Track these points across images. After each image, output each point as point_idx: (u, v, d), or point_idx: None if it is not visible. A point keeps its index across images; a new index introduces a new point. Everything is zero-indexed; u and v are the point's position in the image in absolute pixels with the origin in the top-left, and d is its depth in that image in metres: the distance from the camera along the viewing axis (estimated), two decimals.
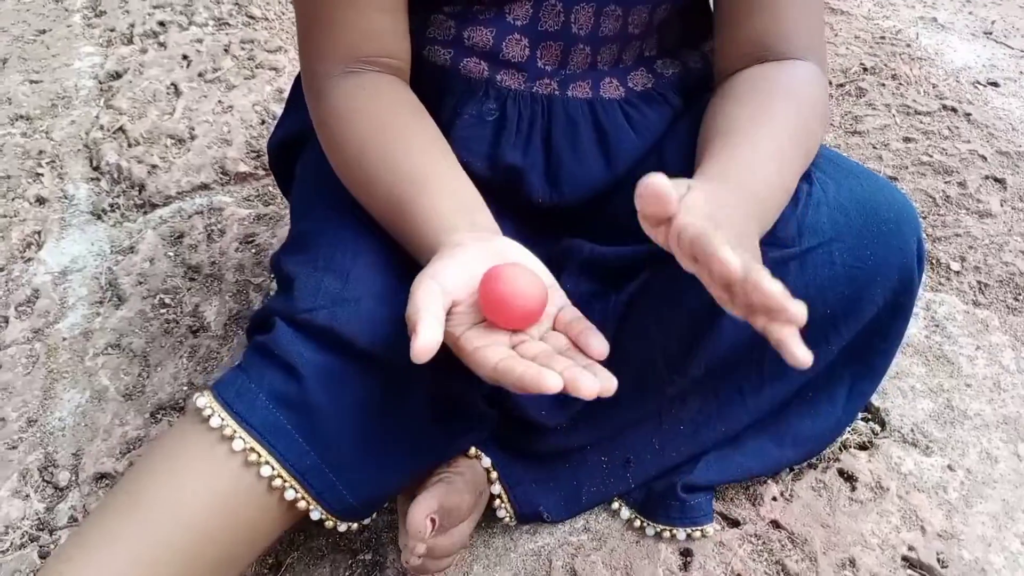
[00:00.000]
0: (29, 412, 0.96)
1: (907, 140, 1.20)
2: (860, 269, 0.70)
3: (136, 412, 0.95)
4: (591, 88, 0.74)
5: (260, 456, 0.64)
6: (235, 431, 0.64)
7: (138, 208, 1.23)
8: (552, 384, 0.49)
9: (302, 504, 0.66)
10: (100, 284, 1.12)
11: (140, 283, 1.11)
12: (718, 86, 0.73)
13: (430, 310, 0.52)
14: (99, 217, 1.23)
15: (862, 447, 0.85)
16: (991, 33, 1.62)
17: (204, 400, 0.66)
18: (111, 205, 1.24)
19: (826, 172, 0.73)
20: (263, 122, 1.35)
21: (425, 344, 0.50)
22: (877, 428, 0.86)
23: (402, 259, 0.68)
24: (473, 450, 0.76)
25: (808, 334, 0.73)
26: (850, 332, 0.74)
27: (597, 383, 0.50)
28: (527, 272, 0.58)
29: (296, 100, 0.77)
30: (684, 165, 0.73)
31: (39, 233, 1.20)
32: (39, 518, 0.86)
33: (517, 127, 0.74)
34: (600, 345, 0.54)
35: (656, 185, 0.48)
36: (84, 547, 0.64)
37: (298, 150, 0.85)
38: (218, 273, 1.11)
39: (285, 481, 0.65)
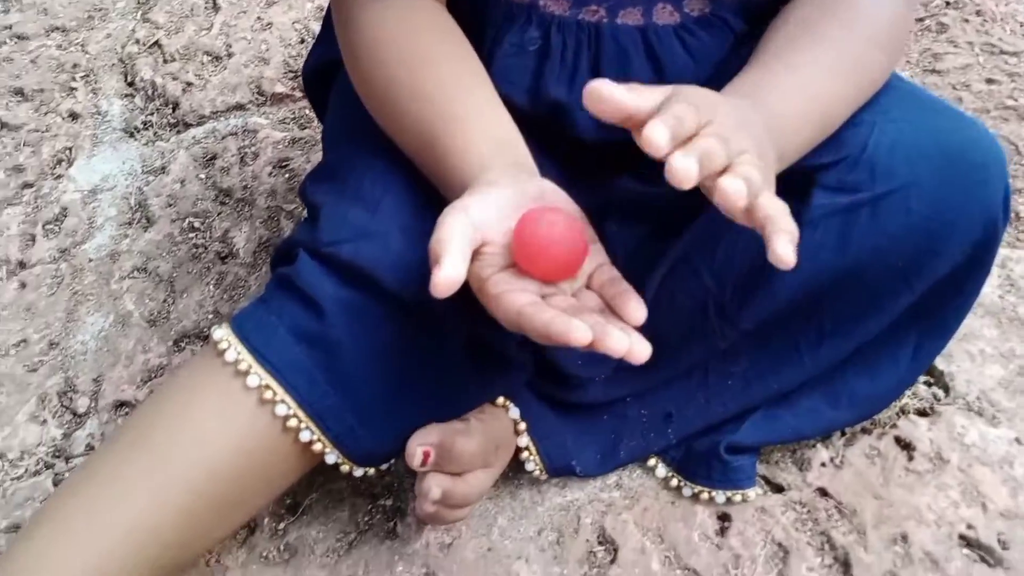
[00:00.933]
0: (51, 334, 0.94)
1: (990, 82, 1.10)
2: (939, 220, 0.64)
3: (159, 339, 0.93)
4: (643, 15, 0.67)
5: (276, 394, 0.61)
6: (251, 366, 0.61)
7: (171, 127, 1.19)
8: (580, 336, 0.44)
9: (318, 446, 0.63)
10: (130, 204, 1.09)
11: (170, 205, 1.08)
12: (781, 10, 0.66)
13: (456, 243, 0.48)
14: (132, 135, 1.19)
15: (922, 413, 0.79)
16: None
17: (221, 332, 0.63)
18: (144, 123, 1.20)
19: (905, 107, 0.65)
20: (302, 41, 1.29)
21: (447, 277, 0.46)
22: (940, 393, 0.80)
23: (438, 198, 0.63)
24: (501, 400, 0.72)
25: (877, 290, 0.68)
26: (922, 287, 0.68)
27: (627, 342, 0.46)
28: (569, 218, 0.52)
29: (331, 24, 0.72)
30: None
31: (70, 149, 1.17)
32: (55, 444, 0.84)
33: (562, 57, 0.68)
34: (638, 311, 0.49)
35: (599, 90, 0.44)
36: (93, 480, 0.62)
37: (333, 76, 0.79)
38: (250, 198, 1.07)
39: (301, 421, 0.62)
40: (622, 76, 0.68)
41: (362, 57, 0.64)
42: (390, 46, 0.63)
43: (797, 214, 0.64)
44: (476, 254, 0.51)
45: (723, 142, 0.44)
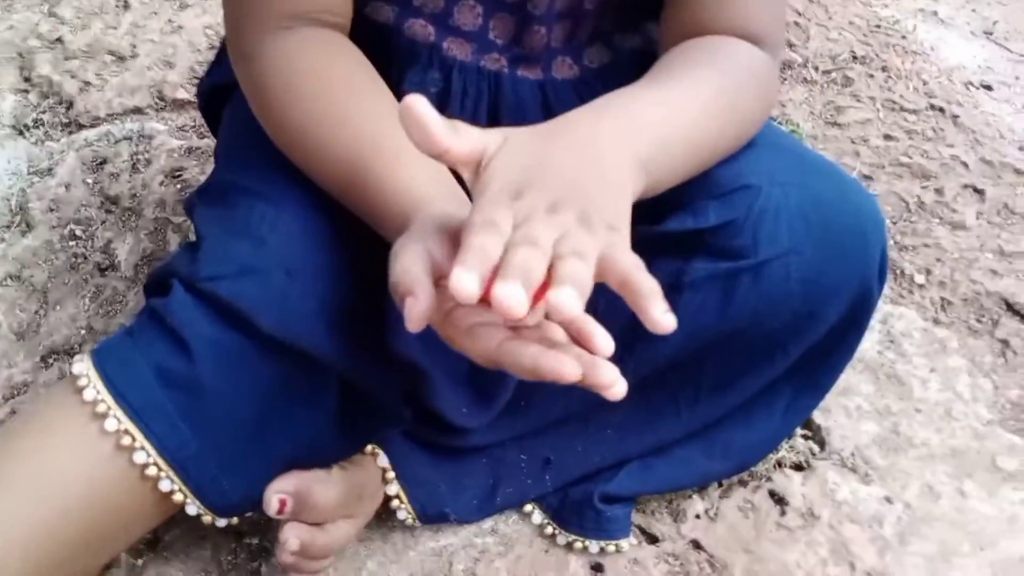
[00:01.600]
0: None
1: (888, 138, 1.13)
2: (817, 284, 0.65)
3: (27, 354, 0.88)
4: (542, 69, 0.67)
5: (135, 440, 0.57)
6: (109, 408, 0.57)
7: (63, 127, 1.14)
8: (571, 371, 0.40)
9: (178, 496, 0.60)
10: (10, 206, 1.03)
11: (52, 210, 1.02)
12: None
13: (422, 275, 0.44)
14: (21, 133, 1.13)
15: (798, 467, 0.79)
16: (992, 33, 1.55)
17: (81, 367, 0.59)
18: (35, 121, 1.14)
19: (790, 171, 0.66)
20: (212, 47, 1.25)
21: (424, 310, 0.42)
22: (816, 448, 0.81)
23: (333, 236, 0.61)
24: (370, 447, 0.70)
25: (754, 351, 0.69)
26: (799, 349, 0.69)
27: (616, 374, 0.42)
28: None
29: (227, 50, 0.68)
30: None
31: None
32: None
33: (462, 103, 0.67)
34: (605, 342, 0.44)
35: (414, 106, 0.42)
36: None
37: (229, 95, 0.76)
38: (137, 207, 1.02)
39: (161, 470, 0.58)
40: (518, 125, 0.67)
41: (273, 89, 0.60)
42: (307, 77, 0.60)
43: (680, 275, 0.65)
44: (436, 285, 0.48)
45: (543, 231, 0.41)
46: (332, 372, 0.62)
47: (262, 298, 0.58)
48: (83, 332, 0.90)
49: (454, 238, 0.47)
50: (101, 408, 0.57)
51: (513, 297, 0.37)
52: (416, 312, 0.42)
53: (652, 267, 0.63)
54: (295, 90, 0.60)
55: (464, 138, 0.45)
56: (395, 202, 0.55)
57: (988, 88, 1.37)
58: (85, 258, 0.97)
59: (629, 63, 0.70)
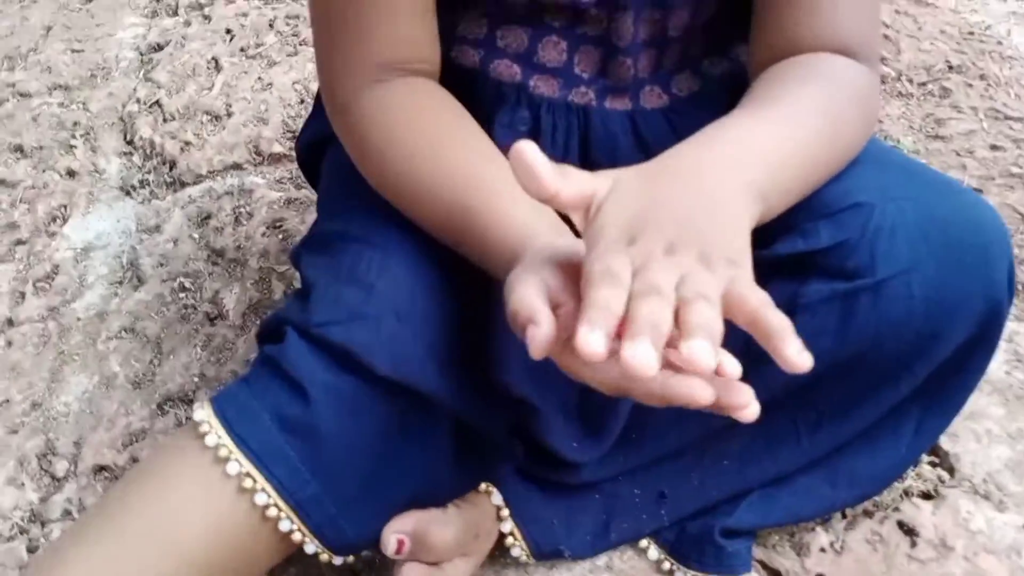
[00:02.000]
0: (35, 395, 0.92)
1: (995, 148, 1.09)
2: (941, 303, 0.62)
3: (143, 402, 0.91)
4: (630, 99, 0.67)
5: (256, 483, 0.59)
6: (231, 452, 0.59)
7: (168, 186, 1.19)
8: (703, 394, 0.39)
9: (297, 536, 0.61)
10: (121, 263, 1.08)
11: (161, 264, 1.06)
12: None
13: (541, 303, 0.43)
14: (128, 193, 1.19)
15: (926, 496, 0.76)
16: None
17: (202, 414, 0.61)
18: (141, 181, 1.20)
19: (905, 185, 0.64)
20: (302, 101, 1.29)
21: (547, 336, 0.42)
22: (945, 475, 0.77)
23: (438, 278, 0.62)
24: (484, 485, 0.69)
25: (877, 374, 0.66)
26: (924, 371, 0.66)
27: (750, 396, 0.41)
28: None
29: (322, 102, 0.70)
30: None
31: (65, 207, 1.16)
32: (32, 509, 0.82)
33: (552, 139, 0.67)
34: (733, 366, 0.42)
35: (525, 152, 0.43)
36: (64, 564, 0.59)
37: (327, 147, 0.78)
38: (242, 258, 1.05)
39: (281, 511, 0.59)
40: (610, 158, 0.67)
41: (371, 140, 0.62)
42: (403, 126, 0.61)
43: (794, 298, 0.63)
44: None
45: (663, 276, 0.40)
46: (444, 412, 0.63)
47: (374, 342, 0.59)
48: (196, 379, 0.92)
49: (566, 268, 0.47)
50: (223, 453, 0.59)
51: (643, 357, 0.36)
52: (539, 339, 0.41)
53: (767, 291, 0.62)
54: (392, 139, 0.61)
55: (573, 182, 0.45)
56: (500, 239, 0.55)
57: None
58: (195, 309, 1.00)
59: (719, 89, 0.69)
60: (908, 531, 0.72)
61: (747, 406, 0.40)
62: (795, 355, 0.39)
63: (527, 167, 0.43)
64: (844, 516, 0.74)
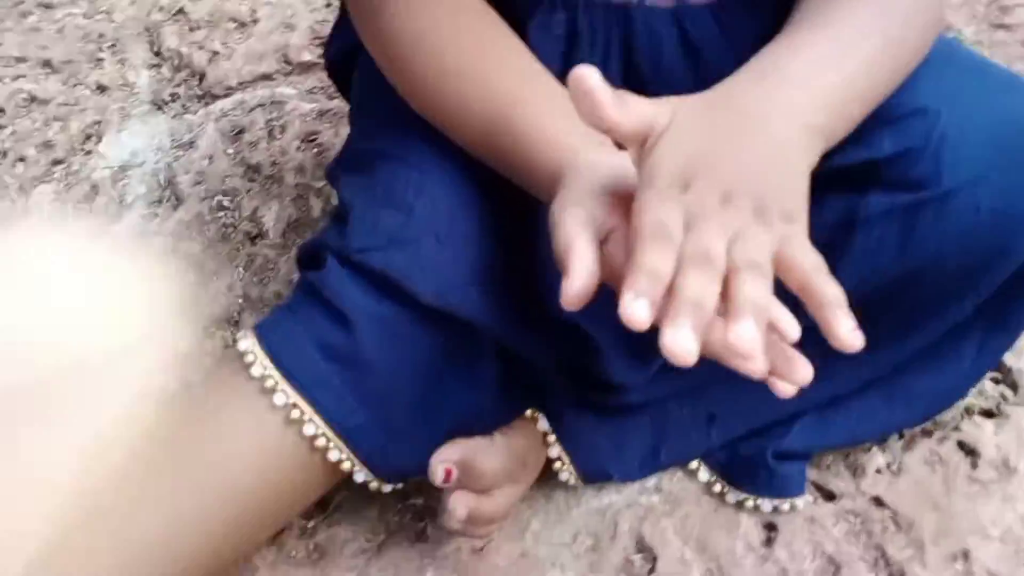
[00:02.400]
0: None
1: None
2: (1011, 215, 0.58)
3: (189, 325, 0.91)
4: None
5: (304, 413, 0.58)
6: (277, 383, 0.58)
7: (199, 99, 1.16)
8: (756, 367, 0.38)
9: (347, 465, 0.61)
10: (159, 182, 1.07)
11: (198, 183, 1.05)
12: None
13: (583, 244, 0.42)
14: (160, 108, 1.16)
15: (988, 414, 0.73)
16: None
17: (247, 343, 0.61)
18: (172, 95, 1.17)
19: (970, 89, 0.59)
20: (328, 4, 1.24)
21: (581, 288, 0.41)
22: (1009, 393, 0.74)
23: (480, 197, 0.60)
24: (530, 411, 0.69)
25: (939, 290, 0.63)
26: (990, 288, 0.63)
27: (810, 370, 0.41)
28: None
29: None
30: None
31: (99, 123, 1.14)
32: None
33: (592, 43, 0.63)
34: (792, 327, 0.41)
35: (585, 78, 0.41)
36: (115, 497, 0.60)
37: (356, 57, 0.75)
38: (278, 175, 1.03)
39: (330, 441, 0.59)
40: (654, 63, 0.63)
41: (400, 48, 0.59)
42: (435, 32, 0.58)
43: (853, 212, 0.60)
44: (603, 244, 0.45)
45: (715, 237, 0.39)
46: (488, 339, 0.61)
47: (414, 267, 0.57)
48: (240, 301, 0.92)
49: (613, 192, 0.46)
50: (269, 384, 0.58)
51: (683, 344, 0.36)
52: (570, 292, 0.41)
53: (823, 205, 0.59)
54: (425, 47, 0.58)
55: (632, 112, 0.43)
56: (541, 154, 0.53)
57: None
58: (235, 228, 0.99)
59: None
60: (969, 452, 0.71)
61: (804, 381, 0.41)
62: (847, 334, 0.39)
63: (587, 95, 0.42)
64: (901, 436, 0.73)
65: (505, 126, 0.55)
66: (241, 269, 0.95)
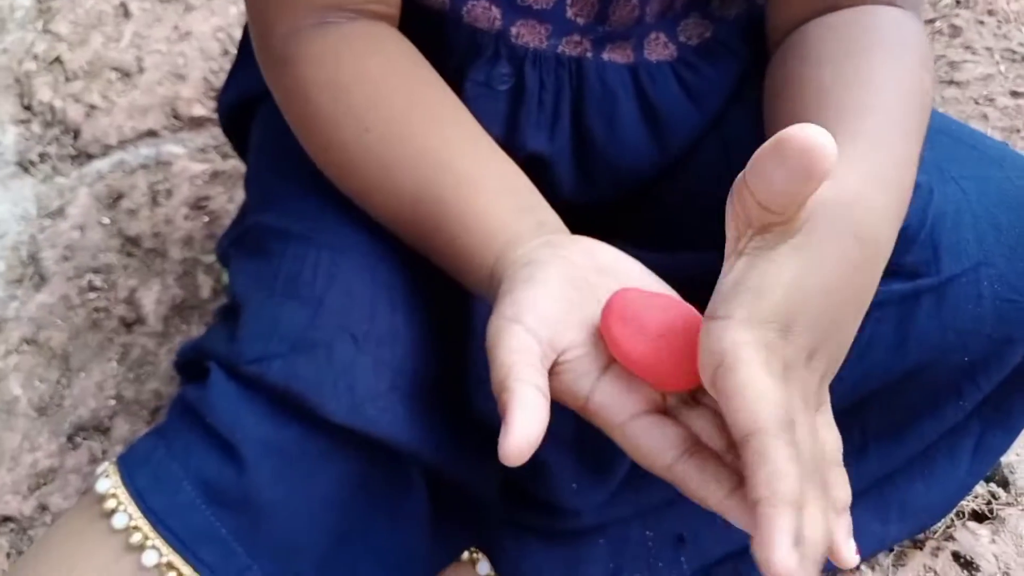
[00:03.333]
0: None
1: (1016, 94, 0.98)
2: (1013, 303, 0.51)
3: (51, 433, 0.76)
4: (633, 49, 0.55)
5: (181, 574, 0.46)
6: (146, 536, 0.46)
7: (72, 160, 1.02)
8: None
9: None
10: (20, 257, 0.92)
11: (67, 258, 0.90)
12: (777, 46, 0.54)
13: (525, 378, 0.36)
14: (26, 170, 1.02)
15: (980, 517, 0.66)
16: None
17: (107, 483, 0.48)
18: (40, 155, 1.03)
19: (959, 161, 0.53)
20: (225, 52, 1.12)
21: (520, 441, 0.35)
22: (999, 491, 0.67)
23: (405, 284, 0.50)
24: (467, 553, 0.57)
25: (936, 388, 0.55)
26: (991, 383, 0.56)
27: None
28: (672, 301, 0.40)
29: (250, 49, 0.56)
30: (753, 143, 0.54)
31: None
32: None
33: (539, 99, 0.55)
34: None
35: (811, 137, 0.31)
36: None
37: (256, 108, 0.64)
38: (161, 248, 0.90)
39: None
40: (608, 122, 0.57)
41: (317, 101, 0.49)
42: (357, 85, 0.49)
43: None
44: (553, 368, 0.39)
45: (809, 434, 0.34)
46: (416, 464, 0.50)
47: (324, 378, 0.46)
48: (112, 403, 0.78)
49: (569, 301, 0.40)
50: (136, 538, 0.46)
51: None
52: (508, 446, 0.34)
53: None
54: (342, 102, 0.49)
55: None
56: (475, 244, 0.45)
57: None
58: (108, 312, 0.85)
59: (733, 36, 0.58)
60: (966, 563, 0.63)
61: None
62: (848, 555, 0.37)
63: (807, 152, 0.32)
64: (891, 550, 0.64)
65: (434, 203, 0.46)
66: (114, 363, 0.81)
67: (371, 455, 0.48)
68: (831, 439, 0.38)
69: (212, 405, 0.47)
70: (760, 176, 0.33)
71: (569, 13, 0.53)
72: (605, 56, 0.55)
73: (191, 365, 0.52)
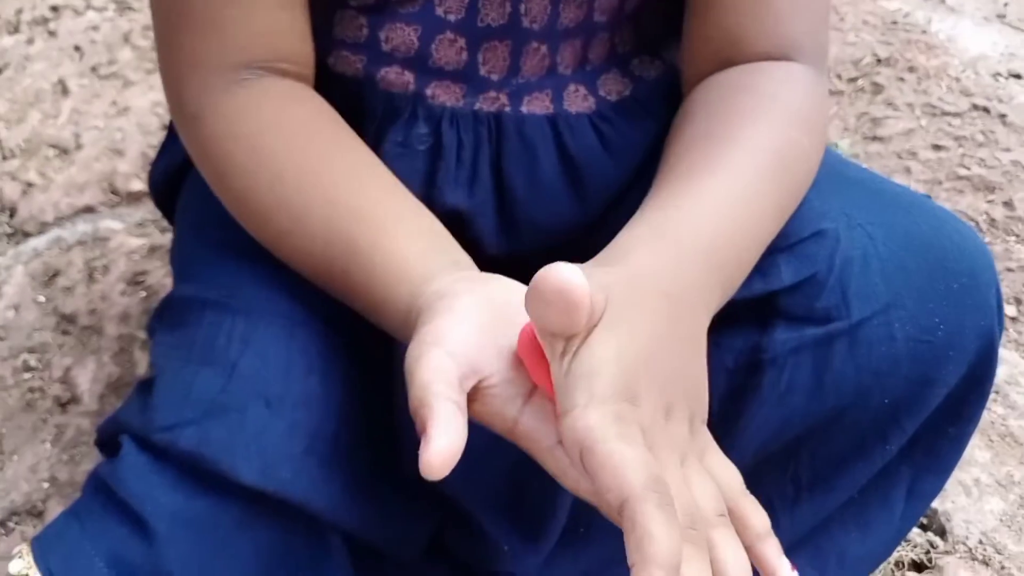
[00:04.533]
0: None
1: (937, 148, 1.01)
2: (928, 343, 0.52)
3: None
4: (552, 100, 0.56)
5: None
6: None
7: (8, 238, 1.01)
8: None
9: None
10: None
11: (1, 338, 0.89)
12: (685, 97, 0.56)
13: (443, 394, 0.37)
14: None
15: (918, 567, 0.66)
16: (1004, 16, 1.45)
17: (20, 564, 0.46)
18: None
19: (867, 207, 0.54)
20: (164, 127, 1.12)
21: (440, 451, 0.35)
22: (936, 540, 0.67)
23: (322, 346, 0.49)
24: None
25: (861, 432, 0.55)
26: (914, 424, 0.56)
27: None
28: None
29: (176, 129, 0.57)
30: None
31: None
32: None
33: (458, 157, 0.55)
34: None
35: (562, 279, 0.35)
36: None
37: (183, 181, 0.64)
38: (97, 325, 0.89)
39: None
40: (530, 176, 0.57)
41: (229, 155, 0.50)
42: (269, 136, 0.49)
43: (757, 351, 0.53)
44: (478, 394, 0.40)
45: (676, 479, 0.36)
46: (334, 530, 0.49)
47: (236, 442, 0.45)
48: (46, 486, 0.76)
49: (485, 330, 0.41)
50: None
51: None
52: (428, 458, 0.35)
53: (721, 346, 0.53)
54: (256, 153, 0.49)
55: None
56: (390, 283, 0.46)
57: (1017, 76, 1.26)
58: (43, 392, 0.84)
59: (652, 96, 0.59)
60: None
61: None
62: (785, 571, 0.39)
63: (562, 293, 0.35)
64: None
65: (347, 248, 0.47)
66: (48, 444, 0.79)
67: (288, 523, 0.47)
68: (728, 474, 0.40)
69: (122, 478, 0.46)
70: (536, 316, 0.36)
71: (482, 71, 0.54)
72: (524, 109, 0.56)
73: (109, 441, 0.51)
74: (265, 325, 0.49)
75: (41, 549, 0.47)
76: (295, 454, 0.47)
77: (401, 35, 0.53)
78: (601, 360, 0.36)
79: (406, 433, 0.50)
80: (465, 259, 0.48)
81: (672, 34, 0.59)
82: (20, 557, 0.47)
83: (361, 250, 0.46)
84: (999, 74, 1.24)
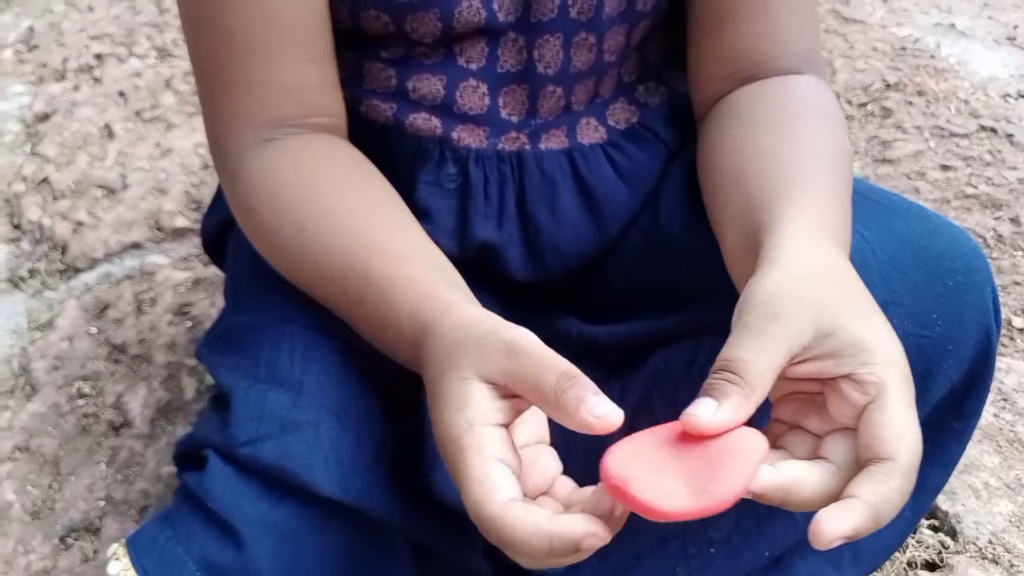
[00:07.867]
0: None
1: (946, 168, 1.04)
2: (927, 338, 0.55)
3: (44, 536, 0.79)
4: (567, 135, 0.60)
5: None
6: None
7: (60, 274, 1.07)
8: None
9: None
10: (12, 369, 0.96)
11: (56, 368, 0.94)
12: (705, 116, 0.59)
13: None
14: (17, 285, 1.06)
15: (931, 567, 0.69)
16: (1015, 39, 1.48)
17: (118, 566, 0.50)
18: (30, 271, 1.07)
19: (864, 215, 0.58)
20: (206, 167, 1.19)
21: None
22: (947, 540, 0.70)
23: (366, 363, 0.54)
24: None
25: None
26: (919, 417, 0.58)
27: None
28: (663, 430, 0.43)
29: None
30: (684, 216, 0.60)
31: None
32: None
33: (485, 194, 0.59)
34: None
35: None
36: None
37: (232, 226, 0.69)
38: (146, 354, 0.94)
39: None
40: (551, 206, 0.61)
41: (259, 207, 0.54)
42: (292, 187, 0.53)
43: None
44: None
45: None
46: (401, 535, 0.54)
47: (315, 456, 0.50)
48: (102, 504, 0.81)
49: (510, 364, 0.41)
50: None
51: None
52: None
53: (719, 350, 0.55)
54: (277, 211, 0.53)
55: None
56: (404, 314, 0.48)
57: None
58: (96, 418, 0.89)
59: (656, 122, 0.63)
60: None
61: None
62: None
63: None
64: None
65: (364, 281, 0.50)
66: (103, 465, 0.84)
67: (359, 527, 0.51)
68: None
69: (210, 489, 0.50)
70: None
71: (503, 114, 0.59)
72: (542, 146, 0.60)
73: (189, 456, 0.55)
74: (319, 345, 0.54)
75: (136, 552, 0.51)
76: (366, 466, 0.51)
77: (428, 84, 0.58)
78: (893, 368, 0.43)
79: (431, 448, 0.54)
80: (457, 278, 0.51)
81: (674, 58, 0.63)
82: (116, 559, 0.51)
83: (378, 281, 0.49)
84: (1009, 95, 1.27)
